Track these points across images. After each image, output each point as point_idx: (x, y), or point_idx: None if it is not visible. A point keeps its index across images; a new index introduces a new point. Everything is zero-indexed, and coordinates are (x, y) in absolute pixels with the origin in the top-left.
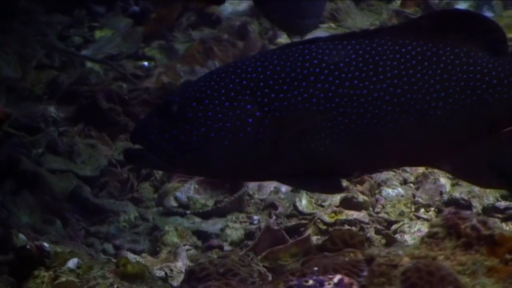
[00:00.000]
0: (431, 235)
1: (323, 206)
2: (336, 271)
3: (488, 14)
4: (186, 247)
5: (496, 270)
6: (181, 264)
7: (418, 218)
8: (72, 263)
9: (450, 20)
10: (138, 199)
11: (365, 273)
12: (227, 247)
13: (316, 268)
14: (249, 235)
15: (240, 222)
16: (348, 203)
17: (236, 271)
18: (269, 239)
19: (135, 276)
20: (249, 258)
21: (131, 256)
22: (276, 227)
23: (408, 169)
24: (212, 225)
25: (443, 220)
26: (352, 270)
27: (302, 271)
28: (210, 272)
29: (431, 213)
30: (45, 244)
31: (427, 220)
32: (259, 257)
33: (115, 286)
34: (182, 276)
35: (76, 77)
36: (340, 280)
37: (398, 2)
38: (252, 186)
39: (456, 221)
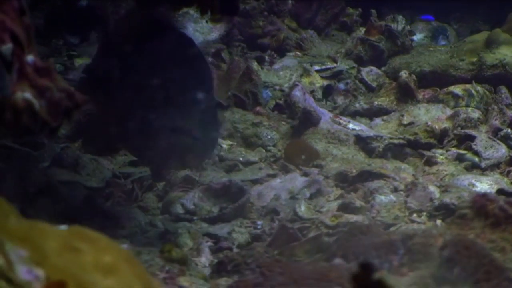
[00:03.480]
0: (460, 216)
1: (321, 212)
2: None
3: (443, 42)
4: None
5: None
6: (204, 259)
7: (412, 221)
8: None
9: None
10: (143, 208)
11: (401, 251)
12: (235, 249)
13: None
14: (256, 237)
15: (245, 227)
16: (346, 208)
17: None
18: (283, 237)
19: (179, 261)
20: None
21: None
22: (290, 225)
23: (397, 177)
24: (220, 229)
25: (471, 202)
26: (389, 248)
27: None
28: (238, 263)
29: (423, 217)
30: None
31: (421, 223)
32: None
33: (166, 268)
34: (206, 270)
35: None
36: None
37: (362, 30)
38: (252, 195)
39: (484, 202)
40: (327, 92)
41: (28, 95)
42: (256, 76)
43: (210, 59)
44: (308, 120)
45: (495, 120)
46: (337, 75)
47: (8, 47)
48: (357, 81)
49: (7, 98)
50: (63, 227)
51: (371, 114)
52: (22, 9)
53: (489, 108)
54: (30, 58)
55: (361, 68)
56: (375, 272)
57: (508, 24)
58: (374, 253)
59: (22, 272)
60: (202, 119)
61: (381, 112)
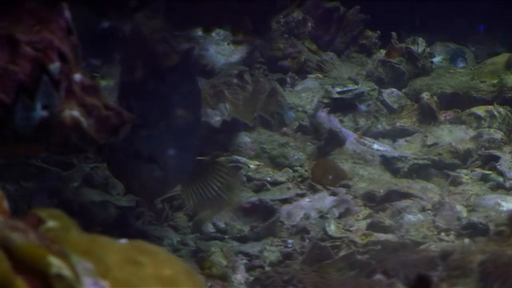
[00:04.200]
0: (497, 233)
1: (351, 231)
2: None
3: (461, 64)
4: (244, 261)
5: None
6: (240, 277)
7: (441, 240)
8: None
9: None
10: (174, 227)
11: (440, 268)
12: (267, 268)
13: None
14: (287, 256)
15: (276, 246)
16: (375, 227)
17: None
18: (316, 255)
19: (220, 277)
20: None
21: None
22: (323, 244)
23: (425, 197)
24: (251, 248)
25: (508, 220)
26: (428, 264)
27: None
28: (275, 280)
29: (452, 236)
30: None
31: (450, 242)
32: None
33: (209, 284)
34: (242, 287)
35: None
36: None
37: (383, 52)
38: (282, 214)
39: None
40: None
41: (75, 113)
42: (282, 97)
43: (235, 80)
44: (334, 141)
45: None
46: (358, 97)
47: (56, 66)
48: (378, 103)
49: (55, 116)
50: (123, 241)
51: (393, 135)
52: (69, 29)
53: None
54: (77, 76)
55: (382, 90)
56: (432, 284)
57: None
58: (413, 269)
59: (88, 284)
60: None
61: (403, 133)
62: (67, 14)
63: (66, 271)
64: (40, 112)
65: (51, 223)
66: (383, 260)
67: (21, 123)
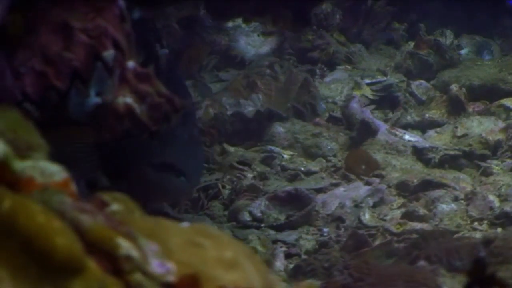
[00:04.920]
0: None
1: (385, 220)
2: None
3: (488, 57)
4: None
5: None
6: (279, 264)
7: (475, 229)
8: None
9: None
10: (210, 216)
11: (483, 254)
12: (303, 256)
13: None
14: (323, 244)
15: (312, 234)
16: (410, 216)
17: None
18: (354, 243)
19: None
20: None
21: None
22: (361, 232)
23: (457, 187)
24: (287, 236)
25: None
26: (471, 251)
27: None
28: (315, 267)
29: (485, 225)
30: None
31: (483, 231)
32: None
33: None
34: (282, 274)
35: None
36: None
37: (411, 44)
38: (317, 203)
39: None
40: None
41: (129, 100)
42: (314, 88)
43: (268, 71)
44: (366, 131)
45: None
46: (387, 88)
47: (110, 53)
48: (407, 94)
49: (109, 103)
50: (185, 224)
51: (422, 126)
52: (123, 17)
53: None
54: (130, 64)
55: (411, 82)
56: (488, 267)
57: None
58: (456, 255)
59: (155, 265)
60: (185, 153)
61: (433, 124)
62: (121, 1)
63: (134, 252)
64: (94, 99)
65: (115, 206)
66: (424, 247)
67: (75, 109)
